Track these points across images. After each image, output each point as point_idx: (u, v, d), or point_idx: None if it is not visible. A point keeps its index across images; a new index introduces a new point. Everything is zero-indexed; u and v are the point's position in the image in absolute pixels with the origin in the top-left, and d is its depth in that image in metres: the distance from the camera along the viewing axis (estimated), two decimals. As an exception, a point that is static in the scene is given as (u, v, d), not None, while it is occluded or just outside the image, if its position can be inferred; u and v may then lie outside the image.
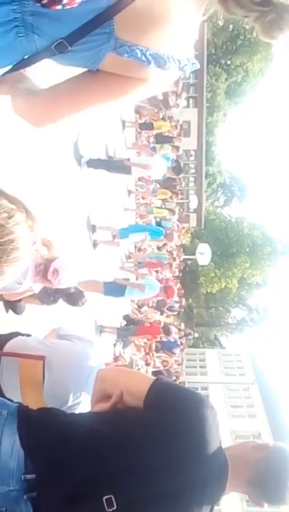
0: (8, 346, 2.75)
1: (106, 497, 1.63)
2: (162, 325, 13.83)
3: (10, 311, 5.32)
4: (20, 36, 1.39)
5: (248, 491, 1.79)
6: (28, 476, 1.62)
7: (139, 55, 1.34)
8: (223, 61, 42.51)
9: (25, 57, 1.47)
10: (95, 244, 10.30)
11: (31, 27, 1.37)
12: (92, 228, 10.26)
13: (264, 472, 1.76)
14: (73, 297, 5.56)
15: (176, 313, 18.19)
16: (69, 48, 1.37)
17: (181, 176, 13.38)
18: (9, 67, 1.53)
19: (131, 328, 13.00)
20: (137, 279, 13.77)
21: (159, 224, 17.60)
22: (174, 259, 17.92)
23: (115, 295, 9.55)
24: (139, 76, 1.40)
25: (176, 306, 16.69)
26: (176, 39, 1.38)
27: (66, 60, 1.44)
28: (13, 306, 5.31)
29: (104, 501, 1.63)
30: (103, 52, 1.37)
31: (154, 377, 1.86)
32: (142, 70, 1.38)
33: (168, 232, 15.17)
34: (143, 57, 1.35)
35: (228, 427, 23.02)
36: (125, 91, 1.45)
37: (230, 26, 40.61)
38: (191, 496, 1.69)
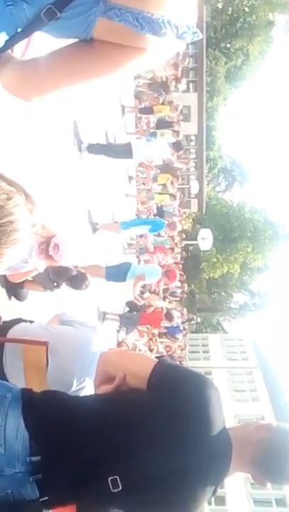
0: (12, 332, 2.76)
1: (111, 478, 1.64)
2: (165, 312, 13.86)
3: (13, 298, 5.33)
4: (8, 5, 1.35)
5: (251, 471, 1.80)
6: (34, 458, 1.62)
7: (131, 19, 1.26)
8: (222, 44, 42.12)
9: (18, 30, 1.41)
10: (94, 230, 10.29)
11: None
12: (92, 217, 10.24)
13: (267, 452, 1.77)
14: (76, 280, 5.56)
15: (178, 299, 18.25)
16: (58, 14, 1.32)
17: (181, 152, 13.20)
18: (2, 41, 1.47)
19: (134, 315, 13.04)
20: (139, 262, 13.77)
21: (160, 210, 17.59)
22: (176, 244, 17.94)
23: (117, 280, 9.57)
24: (135, 44, 1.31)
25: (179, 291, 16.74)
26: (172, 3, 1.29)
27: (58, 30, 1.39)
28: (15, 292, 5.32)
29: (109, 482, 1.64)
30: (93, 18, 1.30)
31: (157, 359, 1.87)
32: (137, 38, 1.30)
33: (170, 222, 15.10)
34: (135, 22, 1.27)
35: (232, 411, 23.21)
36: (121, 62, 1.35)
37: (230, 9, 40.21)
38: (195, 476, 1.70)
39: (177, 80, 15.80)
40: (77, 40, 1.41)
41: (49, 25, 1.36)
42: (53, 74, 1.43)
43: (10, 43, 1.46)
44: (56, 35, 1.43)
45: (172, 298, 16.52)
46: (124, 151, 10.70)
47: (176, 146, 12.22)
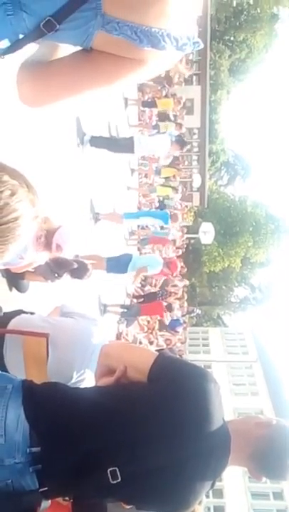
0: (12, 324, 2.76)
1: (110, 469, 1.65)
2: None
3: (13, 289, 5.34)
4: (8, 14, 1.34)
5: (248, 465, 1.82)
6: (34, 449, 1.63)
7: (130, 32, 1.26)
8: (226, 37, 41.87)
9: (20, 36, 1.40)
10: (96, 220, 10.26)
11: (19, 4, 1.32)
12: (94, 207, 10.23)
13: (266, 449, 1.79)
14: (78, 271, 5.57)
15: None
16: (57, 26, 1.31)
17: (185, 149, 13.08)
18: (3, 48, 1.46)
19: (134, 306, 13.04)
20: (140, 253, 13.78)
21: (162, 203, 17.57)
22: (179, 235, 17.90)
23: (118, 271, 9.53)
24: (134, 57, 1.32)
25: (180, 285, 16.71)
26: (172, 15, 1.28)
27: (58, 39, 1.39)
28: (16, 284, 5.32)
29: (108, 473, 1.65)
30: (92, 31, 1.30)
31: (158, 352, 1.88)
32: (136, 50, 1.30)
33: (171, 214, 15.03)
34: (134, 36, 1.26)
35: (231, 405, 23.30)
36: (120, 73, 1.36)
37: (234, 2, 39.98)
38: (194, 469, 1.71)
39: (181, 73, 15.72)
40: (78, 47, 1.41)
41: (49, 35, 1.36)
42: (52, 86, 1.45)
43: (13, 48, 1.45)
44: (58, 42, 1.44)
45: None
46: (126, 145, 10.65)
47: (181, 143, 12.13)
